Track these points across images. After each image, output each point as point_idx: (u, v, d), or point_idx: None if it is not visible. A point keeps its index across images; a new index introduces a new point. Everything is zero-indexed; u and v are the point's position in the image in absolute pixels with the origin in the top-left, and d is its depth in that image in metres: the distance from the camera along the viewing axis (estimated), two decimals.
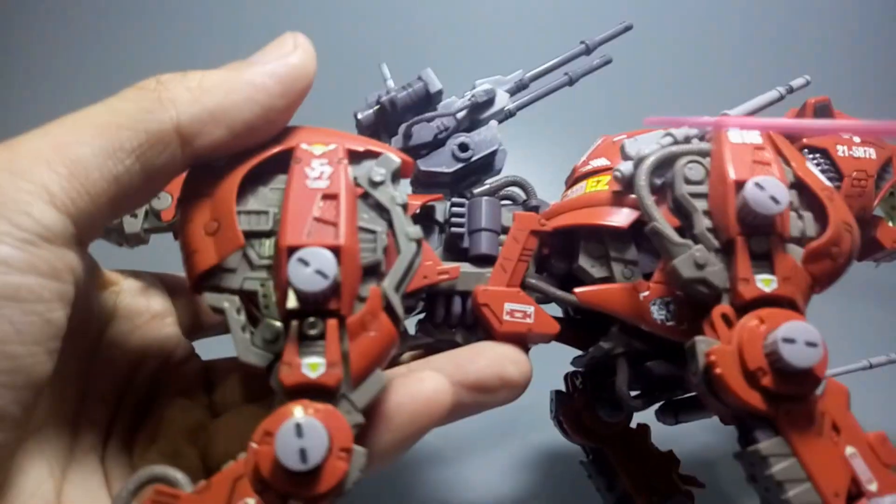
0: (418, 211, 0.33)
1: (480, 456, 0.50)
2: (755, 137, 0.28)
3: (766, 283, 0.26)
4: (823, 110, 0.34)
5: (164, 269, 0.34)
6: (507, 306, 0.31)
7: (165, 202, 0.34)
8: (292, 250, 0.24)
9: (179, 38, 0.75)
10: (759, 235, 0.27)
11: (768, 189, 0.26)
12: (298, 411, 0.23)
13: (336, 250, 0.24)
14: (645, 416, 0.38)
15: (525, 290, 0.31)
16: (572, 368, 0.39)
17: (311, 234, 0.25)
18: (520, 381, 0.30)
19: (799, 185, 0.28)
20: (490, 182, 0.35)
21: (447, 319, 0.31)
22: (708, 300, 0.27)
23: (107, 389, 0.29)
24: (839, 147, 0.34)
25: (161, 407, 0.31)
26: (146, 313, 0.32)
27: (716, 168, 0.28)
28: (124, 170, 0.23)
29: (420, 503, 0.47)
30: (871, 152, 0.35)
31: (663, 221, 0.28)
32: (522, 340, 0.31)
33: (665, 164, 0.29)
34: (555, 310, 0.34)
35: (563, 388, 0.40)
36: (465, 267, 0.31)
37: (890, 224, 0.37)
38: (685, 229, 0.28)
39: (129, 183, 0.24)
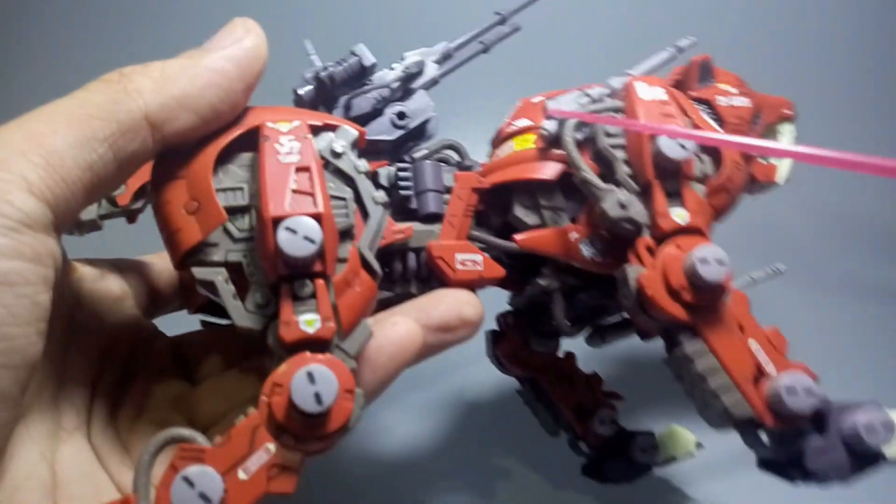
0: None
1: (405, 399, 0.54)
2: (661, 93, 0.33)
3: (679, 216, 0.31)
4: (706, 67, 0.40)
5: (109, 255, 0.35)
6: (459, 257, 0.34)
7: (121, 188, 0.35)
8: (278, 221, 0.26)
9: (126, 31, 0.72)
10: (670, 177, 0.32)
11: (678, 138, 0.31)
12: (304, 362, 0.25)
13: (318, 217, 0.26)
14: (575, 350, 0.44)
15: (470, 241, 0.35)
16: (499, 311, 0.43)
17: (292, 204, 0.27)
18: (476, 319, 0.33)
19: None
20: (427, 147, 0.38)
21: (404, 274, 0.34)
22: (631, 235, 0.32)
23: (82, 373, 0.30)
24: (719, 98, 0.40)
25: (138, 384, 0.32)
26: (108, 298, 0.32)
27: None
28: (97, 158, 0.24)
29: (349, 453, 0.50)
30: (746, 101, 0.41)
31: (590, 171, 0.32)
32: (473, 286, 0.35)
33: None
34: None
35: (494, 328, 0.44)
36: (416, 226, 0.34)
37: (763, 161, 0.43)
38: (607, 176, 0.33)
39: (103, 170, 0.25)
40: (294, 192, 0.27)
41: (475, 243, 0.35)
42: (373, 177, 0.36)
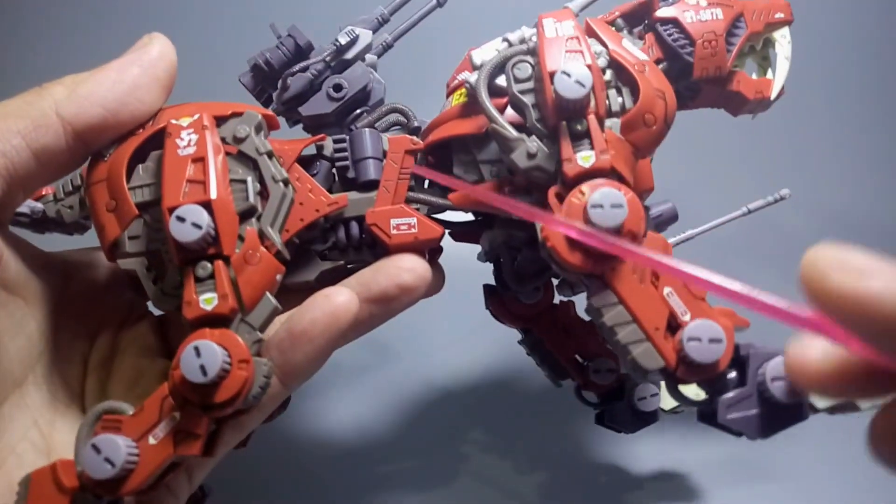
0: (314, 152, 0.37)
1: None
2: (569, 29, 0.31)
3: (585, 159, 0.29)
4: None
5: None
6: (393, 221, 0.35)
7: None
8: (171, 210, 0.29)
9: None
10: (575, 118, 0.30)
11: (574, 75, 0.29)
12: (202, 337, 0.28)
13: (206, 203, 0.29)
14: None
15: (411, 204, 0.35)
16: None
17: (186, 194, 0.29)
18: (417, 284, 0.34)
19: (614, 65, 0.31)
20: (373, 114, 0.38)
21: (349, 242, 0.36)
22: (546, 184, 0.31)
23: (73, 351, 0.35)
24: (686, 14, 0.36)
25: (128, 361, 0.36)
26: (97, 283, 0.37)
27: (538, 63, 0.31)
28: (11, 147, 0.28)
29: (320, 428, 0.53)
30: (718, 13, 0.36)
31: (500, 121, 0.31)
32: (413, 248, 0.35)
33: (502, 68, 0.33)
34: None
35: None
36: (352, 195, 0.35)
37: (754, 76, 0.39)
38: (522, 125, 0.32)
39: (17, 158, 0.29)
40: (189, 181, 0.29)
41: (415, 206, 0.35)
42: (319, 150, 0.37)
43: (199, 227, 0.28)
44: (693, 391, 0.41)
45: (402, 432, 0.53)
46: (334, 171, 0.36)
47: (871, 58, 0.75)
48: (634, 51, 0.31)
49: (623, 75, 0.31)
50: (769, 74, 0.39)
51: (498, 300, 0.43)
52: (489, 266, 0.41)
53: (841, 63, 0.75)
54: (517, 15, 0.37)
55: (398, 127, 0.39)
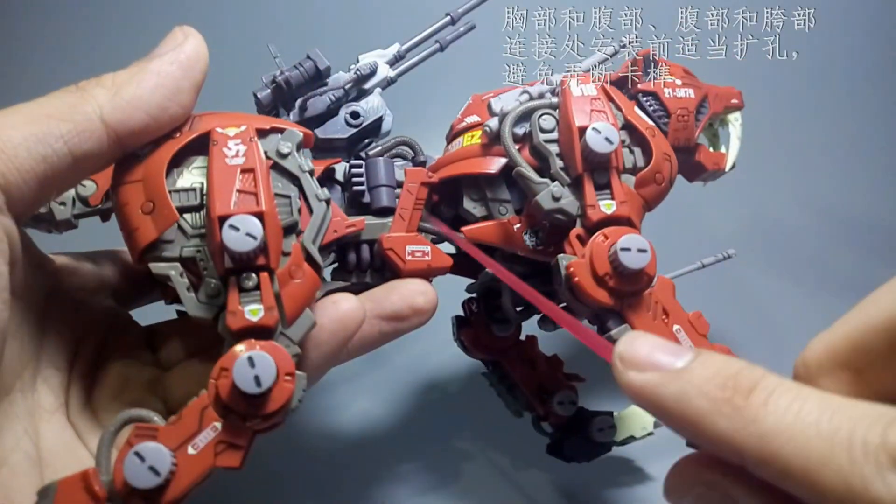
0: (321, 174, 0.38)
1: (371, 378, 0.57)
2: (592, 90, 0.35)
3: (608, 206, 0.33)
4: (649, 60, 0.41)
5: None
6: (409, 248, 0.36)
7: (91, 189, 0.38)
8: (223, 219, 0.28)
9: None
10: (599, 170, 0.33)
11: (603, 132, 0.33)
12: (249, 347, 0.28)
13: (260, 215, 0.29)
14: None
15: (421, 233, 0.37)
16: (466, 296, 0.46)
17: (237, 203, 0.29)
18: (427, 307, 0.36)
19: (629, 127, 0.35)
20: (382, 143, 0.40)
21: (359, 265, 0.37)
22: (566, 225, 0.34)
23: (59, 357, 0.33)
24: (665, 89, 0.42)
25: (114, 369, 0.35)
26: (83, 288, 0.35)
27: (563, 117, 0.35)
28: (52, 152, 0.27)
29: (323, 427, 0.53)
30: (690, 92, 0.42)
31: (526, 165, 0.34)
32: (424, 275, 0.37)
33: (524, 118, 0.36)
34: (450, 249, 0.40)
35: (461, 313, 0.47)
36: (369, 219, 0.37)
37: (711, 150, 0.45)
38: (543, 170, 0.35)
39: (58, 163, 0.27)
40: (239, 191, 0.29)
41: (425, 235, 0.37)
42: (329, 173, 0.38)
43: (254, 237, 0.28)
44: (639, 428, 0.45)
45: (397, 433, 0.53)
46: (345, 194, 0.38)
47: (870, 58, 0.78)
48: (645, 117, 0.36)
49: (635, 137, 0.35)
50: (722, 149, 0.45)
51: (470, 332, 0.45)
52: None
53: (841, 63, 0.77)
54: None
55: (402, 160, 0.41)
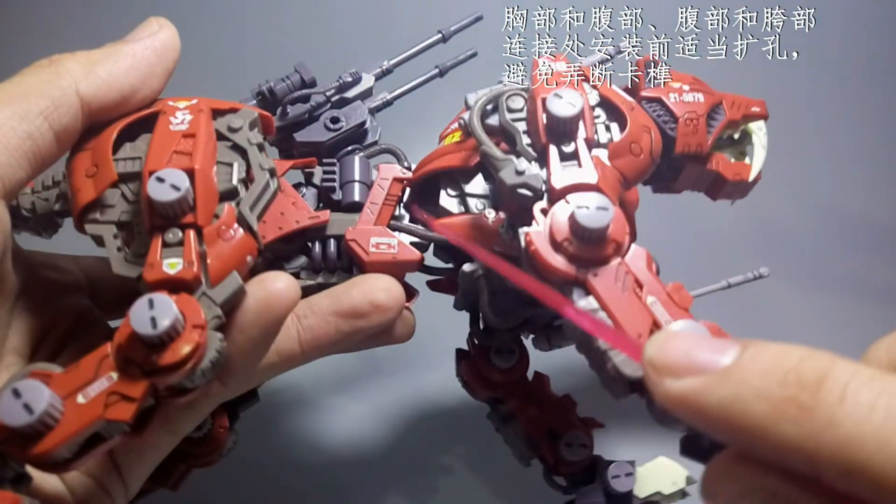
0: (302, 180, 0.37)
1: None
2: (562, 67, 0.33)
3: (572, 175, 0.30)
4: (650, 66, 0.39)
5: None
6: (373, 240, 0.34)
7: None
8: (152, 173, 0.28)
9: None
10: (565, 141, 0.31)
11: (566, 97, 0.30)
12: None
13: (190, 171, 0.28)
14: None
15: (396, 231, 0.35)
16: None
17: (170, 162, 0.29)
18: (390, 305, 0.33)
19: (605, 103, 0.33)
20: (367, 151, 0.39)
21: (325, 262, 0.35)
22: (532, 202, 0.31)
23: (22, 345, 0.32)
24: (671, 95, 0.39)
25: (72, 358, 0.34)
26: (56, 285, 0.35)
27: (529, 93, 0.33)
28: (35, 129, 0.28)
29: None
30: (700, 96, 0.39)
31: (490, 143, 0.32)
32: (391, 270, 0.34)
33: (494, 102, 0.34)
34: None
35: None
36: (337, 215, 0.35)
37: (732, 160, 0.41)
38: (511, 151, 0.33)
39: (41, 140, 0.28)
40: (175, 152, 0.29)
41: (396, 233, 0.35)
42: (308, 177, 0.38)
43: (177, 189, 0.27)
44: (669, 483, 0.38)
45: (390, 445, 0.53)
46: (319, 193, 0.37)
47: (870, 58, 0.76)
48: (623, 94, 0.33)
49: (613, 113, 0.33)
50: (746, 160, 0.41)
51: (471, 366, 0.41)
52: None
53: (841, 63, 0.75)
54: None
55: None
